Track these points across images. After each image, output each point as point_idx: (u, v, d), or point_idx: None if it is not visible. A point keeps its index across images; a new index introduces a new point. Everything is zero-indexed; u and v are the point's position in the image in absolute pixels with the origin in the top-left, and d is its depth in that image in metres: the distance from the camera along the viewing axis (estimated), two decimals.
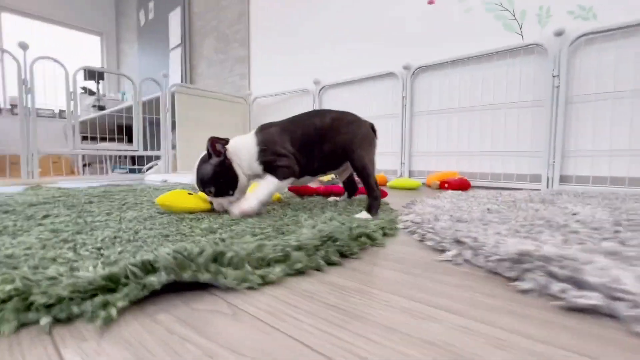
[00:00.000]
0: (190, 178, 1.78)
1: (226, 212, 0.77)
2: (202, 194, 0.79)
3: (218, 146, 0.74)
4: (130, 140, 3.09)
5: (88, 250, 0.45)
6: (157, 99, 2.51)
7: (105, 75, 4.62)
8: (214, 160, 0.75)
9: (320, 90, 2.36)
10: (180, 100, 2.44)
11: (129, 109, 2.80)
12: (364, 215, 0.72)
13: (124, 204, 0.87)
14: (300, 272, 0.42)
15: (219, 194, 0.75)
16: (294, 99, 2.59)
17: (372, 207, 0.74)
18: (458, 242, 0.52)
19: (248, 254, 0.40)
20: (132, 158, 3.42)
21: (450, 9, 1.78)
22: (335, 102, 2.30)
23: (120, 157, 3.59)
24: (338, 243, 0.49)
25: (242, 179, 0.77)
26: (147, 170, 2.72)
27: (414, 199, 1.04)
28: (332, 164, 0.82)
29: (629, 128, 1.33)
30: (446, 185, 1.56)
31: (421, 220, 0.65)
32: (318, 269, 0.44)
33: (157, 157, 2.56)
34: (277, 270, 0.41)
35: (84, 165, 3.77)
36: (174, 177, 1.90)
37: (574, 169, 1.45)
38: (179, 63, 3.59)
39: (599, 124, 1.39)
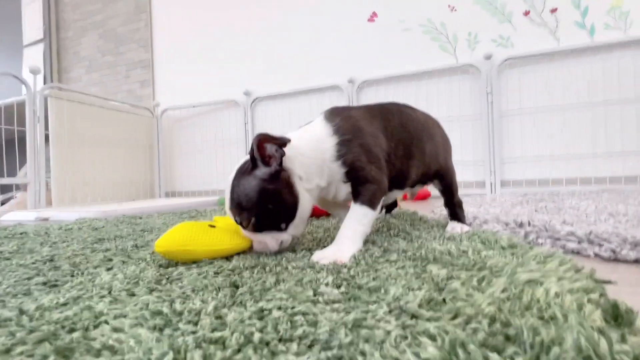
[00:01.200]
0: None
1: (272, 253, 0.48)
2: (233, 223, 0.48)
3: (269, 149, 0.44)
4: None
5: None
6: (11, 106, 1.77)
7: None
8: (261, 171, 0.44)
9: (253, 102, 2.11)
10: (57, 107, 1.79)
11: None
12: (458, 226, 0.58)
13: (44, 274, 0.47)
14: None
15: (262, 227, 0.45)
16: (218, 112, 2.24)
17: (461, 216, 0.62)
18: None
19: None
20: None
21: (390, 28, 1.85)
22: (271, 116, 2.09)
23: None
24: None
25: (304, 202, 0.47)
26: None
27: (422, 213, 0.95)
28: (426, 173, 0.58)
29: (548, 137, 1.59)
30: (408, 195, 1.54)
31: (573, 232, 0.52)
32: None
33: (17, 187, 1.79)
34: None
35: None
36: (58, 213, 1.31)
37: (509, 174, 1.64)
38: (40, 63, 2.72)
39: (525, 134, 1.62)
